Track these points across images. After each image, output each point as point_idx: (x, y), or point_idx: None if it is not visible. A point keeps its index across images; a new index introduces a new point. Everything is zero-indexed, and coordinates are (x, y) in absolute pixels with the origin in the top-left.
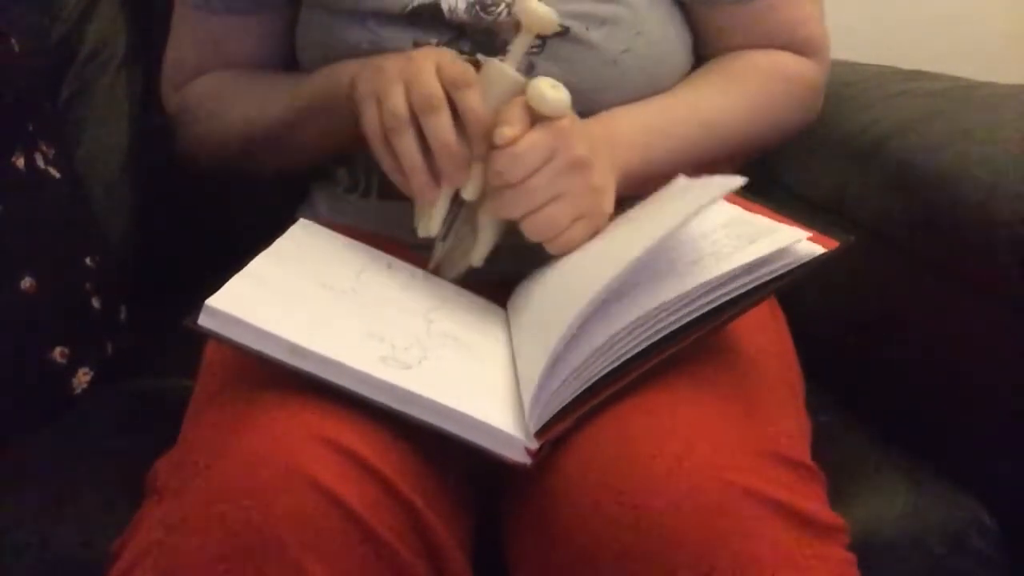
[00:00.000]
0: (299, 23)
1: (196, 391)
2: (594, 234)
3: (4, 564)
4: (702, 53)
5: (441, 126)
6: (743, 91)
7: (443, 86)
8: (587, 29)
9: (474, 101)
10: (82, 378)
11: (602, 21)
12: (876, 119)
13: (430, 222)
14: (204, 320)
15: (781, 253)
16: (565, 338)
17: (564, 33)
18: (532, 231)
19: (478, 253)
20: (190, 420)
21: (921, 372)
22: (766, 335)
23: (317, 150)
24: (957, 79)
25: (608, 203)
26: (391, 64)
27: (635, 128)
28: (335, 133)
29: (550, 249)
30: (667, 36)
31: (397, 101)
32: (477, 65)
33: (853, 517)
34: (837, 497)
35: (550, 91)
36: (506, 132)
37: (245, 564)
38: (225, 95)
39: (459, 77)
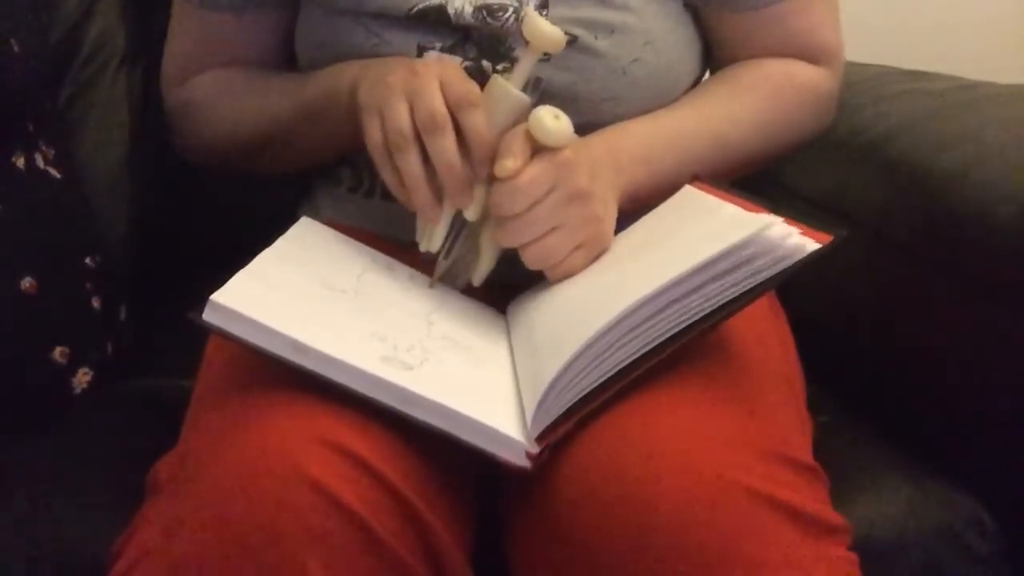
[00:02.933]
0: (299, 22)
1: (196, 391)
2: (593, 262)
3: (4, 564)
4: (714, 61)
5: (445, 147)
6: (753, 102)
7: (447, 104)
8: (596, 38)
9: (478, 123)
10: (82, 378)
11: (611, 30)
12: (876, 119)
13: (432, 239)
14: (208, 315)
15: (772, 246)
16: (578, 353)
17: (572, 42)
18: (531, 260)
19: (479, 274)
20: (190, 421)
21: (921, 372)
22: (767, 334)
23: (318, 151)
24: (957, 79)
25: (608, 231)
26: (395, 78)
27: (641, 143)
28: (336, 136)
29: (549, 277)
30: (676, 45)
31: (401, 118)
32: (484, 74)
33: (853, 517)
34: (837, 497)
35: (552, 122)
36: (508, 164)
37: (246, 565)
38: (225, 95)
39: (463, 97)
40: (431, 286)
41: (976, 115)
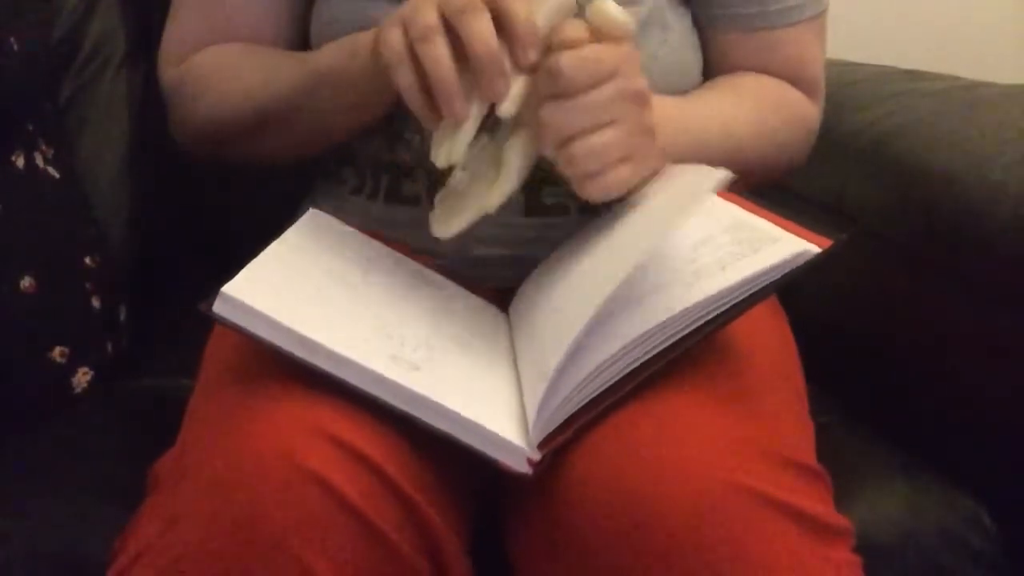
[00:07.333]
0: (316, 2)
1: (197, 387)
2: (639, 184)
3: (4, 563)
4: (705, 78)
5: (481, 27)
6: (756, 109)
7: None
8: None
9: (521, 5)
10: (82, 378)
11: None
12: (876, 119)
13: (454, 145)
14: (219, 307)
15: (784, 262)
16: (562, 364)
17: None
18: (574, 159)
19: (501, 190)
20: (190, 416)
21: (921, 371)
22: (769, 337)
23: (327, 125)
24: (957, 79)
25: (659, 157)
26: None
27: (678, 115)
28: (350, 102)
29: (587, 189)
30: (688, 48)
31: (427, 13)
32: None
33: (853, 517)
34: (837, 497)
35: (615, 9)
36: (569, 32)
37: (246, 559)
38: (230, 66)
39: None
40: (434, 206)
41: (976, 115)
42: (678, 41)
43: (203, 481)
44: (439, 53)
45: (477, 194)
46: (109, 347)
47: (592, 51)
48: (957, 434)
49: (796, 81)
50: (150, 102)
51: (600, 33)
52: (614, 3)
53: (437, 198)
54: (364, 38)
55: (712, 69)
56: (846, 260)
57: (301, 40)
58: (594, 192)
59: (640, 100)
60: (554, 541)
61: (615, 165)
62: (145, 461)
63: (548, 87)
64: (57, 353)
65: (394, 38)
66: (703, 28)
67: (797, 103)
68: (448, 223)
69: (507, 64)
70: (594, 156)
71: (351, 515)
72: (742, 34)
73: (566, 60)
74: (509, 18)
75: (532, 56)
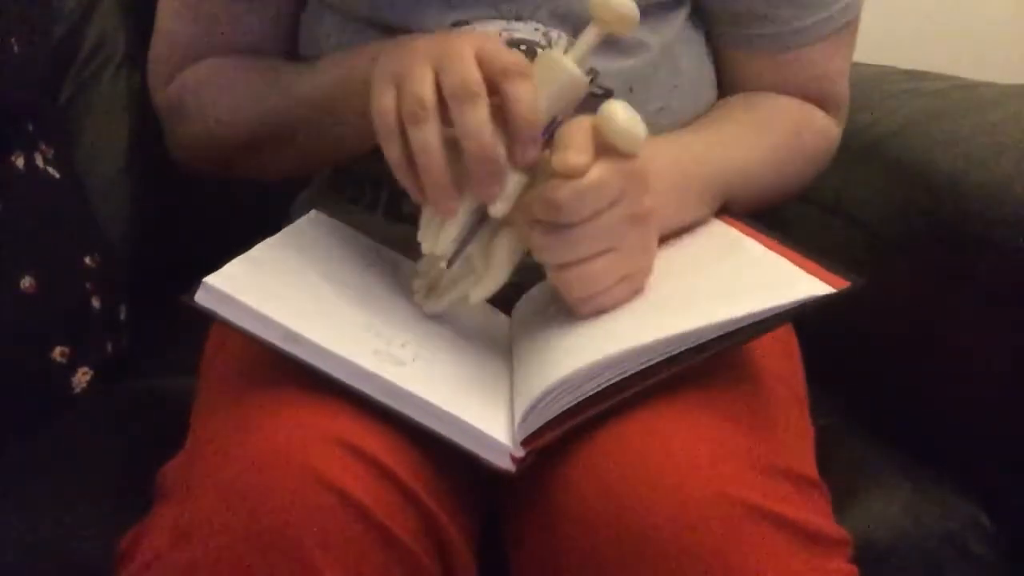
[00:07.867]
0: (306, 20)
1: (200, 392)
2: (633, 297)
3: (4, 564)
4: (723, 90)
5: (477, 118)
6: (774, 140)
7: (484, 77)
8: (631, 90)
9: (529, 93)
10: (82, 378)
11: (637, 78)
12: (876, 119)
13: (440, 238)
14: (200, 297)
15: (796, 300)
16: (591, 366)
17: (608, 95)
18: (568, 284)
19: (483, 288)
20: (196, 423)
21: (921, 374)
22: (772, 345)
23: (325, 150)
24: (957, 79)
25: (653, 262)
26: (420, 43)
27: (669, 167)
28: (347, 132)
29: (580, 309)
30: (702, 86)
31: (423, 85)
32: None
33: (852, 520)
34: (837, 501)
35: (626, 120)
36: (571, 159)
37: (260, 567)
38: (224, 84)
39: (509, 65)
40: (417, 299)
41: (976, 115)
42: (690, 83)
43: (215, 491)
44: (428, 141)
45: (460, 277)
46: (109, 347)
47: (594, 180)
48: (957, 435)
49: (821, 98)
50: (150, 102)
51: (607, 142)
52: (625, 109)
53: (420, 266)
54: (360, 62)
55: (727, 84)
56: (846, 260)
57: (295, 47)
58: (585, 311)
59: (644, 220)
60: (549, 551)
61: (612, 287)
62: (145, 461)
63: (543, 214)
64: (57, 353)
65: (386, 104)
66: (718, 46)
67: (819, 129)
68: (429, 299)
69: (503, 161)
70: (588, 284)
71: (368, 523)
72: (767, 55)
73: (565, 194)
74: (511, 105)
75: (532, 155)
